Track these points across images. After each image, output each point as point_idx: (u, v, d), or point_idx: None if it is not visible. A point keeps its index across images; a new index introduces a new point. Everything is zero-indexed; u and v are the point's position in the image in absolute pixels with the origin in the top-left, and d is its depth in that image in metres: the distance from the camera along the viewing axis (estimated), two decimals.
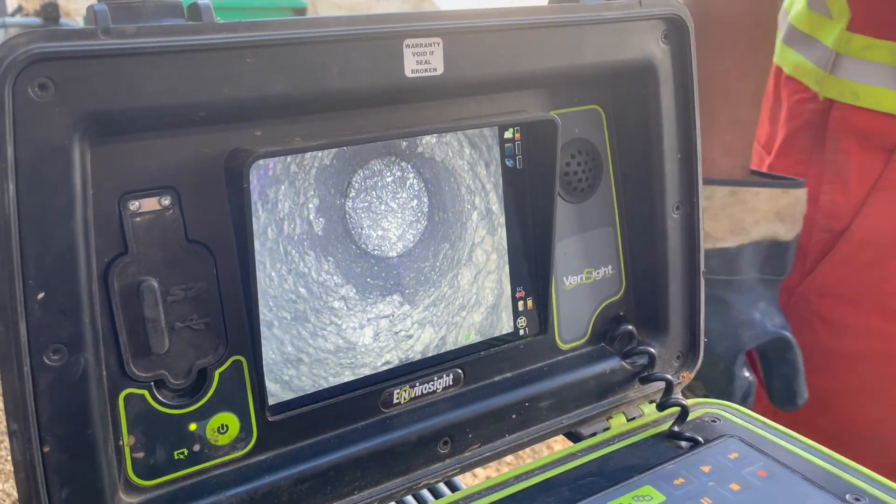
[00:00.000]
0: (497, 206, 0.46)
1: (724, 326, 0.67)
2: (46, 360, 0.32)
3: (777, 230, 0.68)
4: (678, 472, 0.42)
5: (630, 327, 0.50)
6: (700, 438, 0.46)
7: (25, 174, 0.30)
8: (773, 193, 0.67)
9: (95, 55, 0.30)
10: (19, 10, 4.09)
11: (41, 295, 0.31)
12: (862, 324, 0.70)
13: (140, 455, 0.36)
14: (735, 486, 0.41)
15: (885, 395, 0.70)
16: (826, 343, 0.72)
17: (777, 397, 0.71)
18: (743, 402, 0.69)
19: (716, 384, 0.69)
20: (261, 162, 0.37)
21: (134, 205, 0.35)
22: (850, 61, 0.72)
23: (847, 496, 0.40)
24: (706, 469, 0.42)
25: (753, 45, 0.69)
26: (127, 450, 0.36)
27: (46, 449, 0.32)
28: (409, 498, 0.51)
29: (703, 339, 0.51)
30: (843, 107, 0.72)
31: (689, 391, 0.70)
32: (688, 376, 0.51)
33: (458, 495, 0.42)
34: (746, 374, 0.69)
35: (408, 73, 0.38)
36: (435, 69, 0.38)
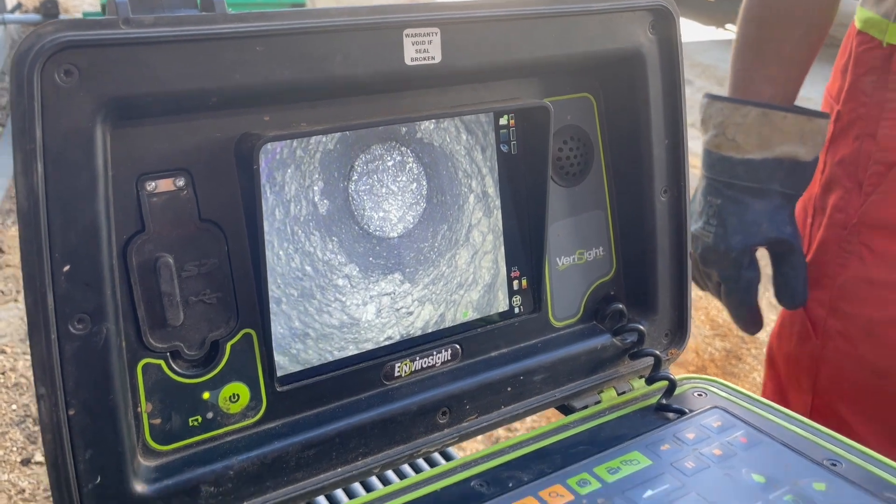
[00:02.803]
0: (493, 190, 0.48)
1: (739, 223, 0.77)
2: (72, 329, 0.34)
3: (798, 151, 0.77)
4: (664, 439, 0.44)
5: (620, 306, 0.52)
6: (686, 409, 0.48)
7: (52, 155, 0.32)
8: (798, 119, 0.76)
9: (116, 43, 0.33)
10: (18, 6, 4.10)
11: (67, 268, 0.33)
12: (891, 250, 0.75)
13: (157, 421, 0.39)
14: (717, 451, 0.43)
15: None
16: (874, 273, 0.77)
17: (779, 294, 0.80)
18: (746, 294, 0.78)
19: (726, 271, 0.78)
20: (269, 146, 0.39)
21: (150, 185, 0.37)
22: None
23: (825, 461, 0.43)
24: (691, 436, 0.44)
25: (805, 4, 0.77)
26: (145, 416, 0.38)
27: (72, 412, 0.34)
28: (407, 468, 0.54)
29: (690, 317, 0.54)
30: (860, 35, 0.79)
31: (707, 278, 0.81)
32: (675, 353, 0.54)
33: (455, 462, 0.45)
34: (752, 267, 0.79)
35: (407, 62, 0.40)
36: (433, 58, 0.41)
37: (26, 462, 1.71)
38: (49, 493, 1.64)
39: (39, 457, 1.73)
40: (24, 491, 1.65)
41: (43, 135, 0.32)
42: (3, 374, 1.95)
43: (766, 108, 0.77)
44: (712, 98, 0.81)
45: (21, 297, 2.25)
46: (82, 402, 0.35)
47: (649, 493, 0.39)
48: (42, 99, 0.31)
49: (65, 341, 0.34)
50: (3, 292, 2.25)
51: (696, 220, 0.84)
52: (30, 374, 1.97)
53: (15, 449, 1.75)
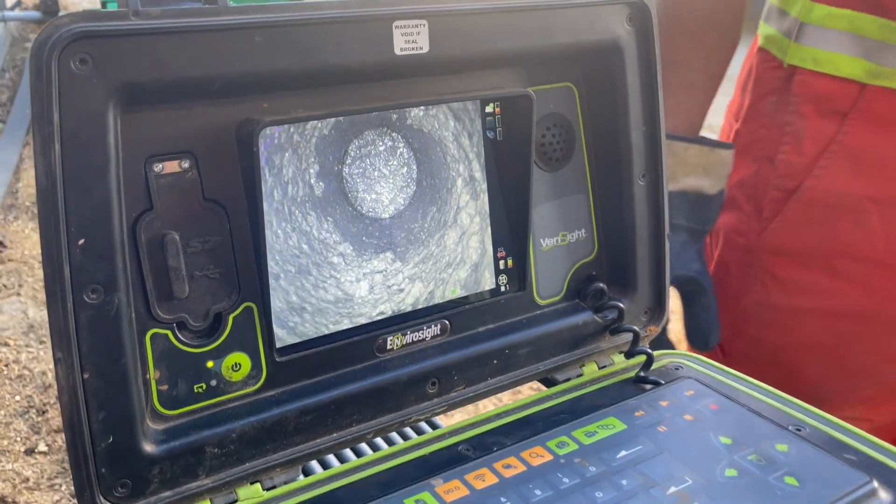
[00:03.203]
0: (479, 174, 0.51)
1: None
2: (86, 298, 0.37)
3: (703, 184, 0.76)
4: (639, 406, 0.47)
5: (602, 285, 0.55)
6: (662, 381, 0.51)
7: (68, 137, 0.35)
8: (701, 150, 0.75)
9: (127, 34, 0.35)
10: (18, 3, 4.12)
11: (81, 241, 0.36)
12: (809, 281, 0.75)
13: (164, 388, 0.42)
14: (689, 417, 0.46)
15: (828, 351, 0.76)
16: (776, 300, 0.77)
17: (691, 336, 0.78)
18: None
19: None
20: (268, 130, 0.42)
21: (158, 167, 0.40)
22: (813, 29, 0.76)
23: (790, 427, 0.46)
24: (664, 404, 0.47)
25: (706, 19, 0.75)
26: (153, 382, 0.41)
27: (86, 375, 0.37)
28: (395, 436, 0.56)
29: (668, 296, 0.57)
30: (804, 72, 0.77)
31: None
32: (654, 330, 0.57)
33: (443, 430, 0.48)
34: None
35: (397, 51, 0.43)
36: (421, 48, 0.43)
37: (30, 452, 1.74)
38: (51, 482, 1.67)
39: (43, 447, 1.76)
40: (27, 480, 1.68)
41: (60, 118, 0.34)
42: (6, 366, 1.98)
43: (670, 139, 0.73)
44: None
45: (23, 291, 2.28)
46: (96, 366, 0.38)
47: (623, 453, 0.42)
48: (59, 85, 0.34)
49: (80, 309, 0.37)
50: (5, 286, 2.28)
51: None
52: (33, 366, 2.00)
53: (19, 439, 1.78)
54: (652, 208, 0.55)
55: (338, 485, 0.43)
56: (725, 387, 0.50)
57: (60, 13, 3.97)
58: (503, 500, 0.39)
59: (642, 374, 0.52)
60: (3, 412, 1.84)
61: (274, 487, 0.43)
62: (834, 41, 0.74)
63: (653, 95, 0.52)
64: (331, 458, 0.55)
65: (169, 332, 0.41)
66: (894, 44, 0.71)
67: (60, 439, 1.79)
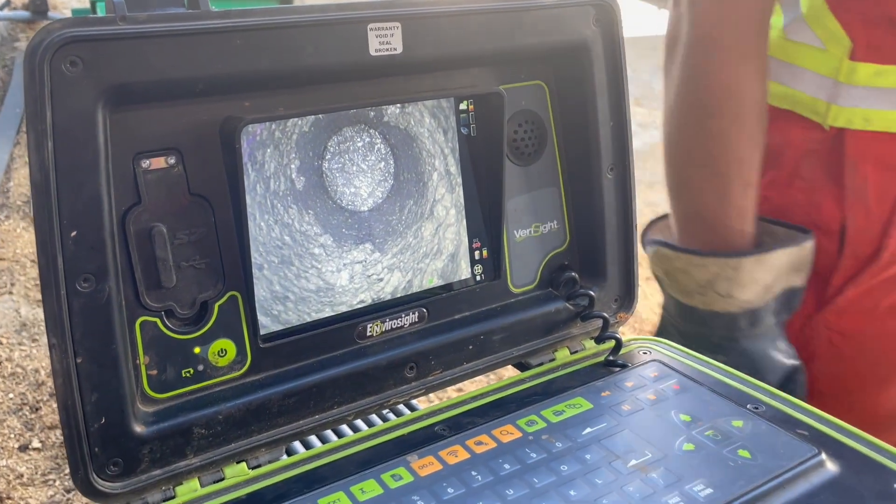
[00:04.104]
0: (454, 168, 0.53)
1: (750, 374, 0.68)
2: (78, 287, 0.39)
3: (793, 280, 0.71)
4: (605, 387, 0.49)
5: (573, 274, 0.58)
6: (629, 364, 0.53)
7: (60, 135, 0.37)
8: (790, 252, 0.70)
9: (115, 38, 0.37)
10: (7, 3, 4.11)
11: (74, 233, 0.38)
12: (868, 336, 0.74)
13: (154, 372, 0.44)
14: (651, 396, 0.48)
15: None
16: (842, 350, 0.75)
17: None
18: None
19: None
20: (250, 127, 0.44)
21: (145, 163, 0.42)
22: (858, 89, 0.72)
23: (747, 405, 0.48)
24: (629, 384, 0.50)
25: (761, 115, 0.70)
26: (143, 367, 0.43)
27: (79, 360, 0.40)
28: (375, 418, 0.59)
29: (637, 284, 0.59)
30: (855, 133, 0.73)
31: None
32: (624, 316, 0.59)
33: (420, 412, 0.50)
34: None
35: (372, 52, 0.45)
36: (395, 49, 0.46)
37: (24, 448, 1.76)
38: (45, 478, 1.69)
39: (37, 443, 1.78)
40: (22, 476, 1.69)
41: (52, 117, 0.37)
42: None
43: (760, 253, 0.68)
44: (677, 250, 0.69)
45: (15, 290, 2.29)
46: (88, 351, 0.40)
47: (588, 430, 0.45)
48: (51, 86, 0.36)
49: (73, 297, 0.39)
50: None
51: None
52: (26, 363, 2.01)
53: (13, 436, 1.79)
54: (620, 200, 0.57)
55: (320, 463, 0.46)
56: (689, 369, 0.53)
57: (49, 13, 3.97)
58: (473, 473, 0.41)
59: (611, 357, 0.55)
60: None
61: (259, 466, 0.46)
62: (885, 98, 0.71)
63: (619, 92, 0.55)
64: (313, 438, 0.58)
65: (157, 320, 0.44)
66: None
67: (54, 436, 1.81)
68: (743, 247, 0.69)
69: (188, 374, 0.45)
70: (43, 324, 1.91)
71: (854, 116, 0.73)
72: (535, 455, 0.43)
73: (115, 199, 0.41)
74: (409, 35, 0.46)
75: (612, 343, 0.56)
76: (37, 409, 1.87)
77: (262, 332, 0.47)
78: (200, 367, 0.45)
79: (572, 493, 0.40)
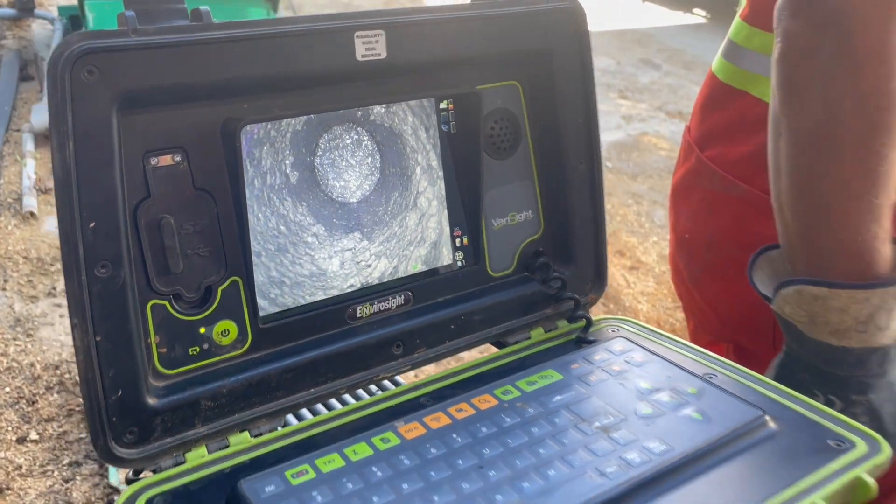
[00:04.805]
0: (436, 163, 0.58)
1: (894, 406, 0.64)
2: (97, 273, 0.43)
3: None
4: (575, 360, 0.54)
5: (547, 259, 0.62)
6: (598, 340, 0.58)
7: (79, 135, 0.41)
8: None
9: (127, 49, 0.42)
10: None
11: (92, 224, 0.43)
12: None
13: (164, 350, 0.48)
14: (616, 368, 0.53)
15: None
16: None
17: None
18: None
19: None
20: (248, 127, 0.49)
21: (154, 160, 0.46)
22: None
23: (704, 375, 0.53)
24: (597, 358, 0.55)
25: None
26: (154, 346, 0.48)
27: (98, 338, 0.44)
28: (362, 392, 0.63)
29: (606, 268, 0.64)
30: None
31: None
32: (595, 298, 0.64)
33: (406, 386, 0.55)
34: None
35: (358, 58, 0.49)
36: (380, 54, 0.50)
37: (22, 440, 1.79)
38: (44, 469, 1.73)
39: (34, 435, 1.81)
40: (20, 467, 1.73)
41: (73, 120, 0.41)
42: None
43: None
44: (828, 286, 0.61)
45: (8, 286, 2.32)
46: (106, 331, 0.44)
47: (558, 397, 0.50)
48: (72, 93, 0.41)
49: (92, 282, 0.43)
50: None
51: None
52: (21, 358, 2.04)
53: (10, 429, 1.83)
54: (589, 191, 0.62)
55: (315, 432, 0.50)
56: (652, 344, 0.58)
57: (36, 11, 3.97)
58: (454, 436, 0.46)
59: (582, 335, 0.60)
60: None
61: (260, 434, 0.50)
62: None
63: (587, 91, 0.60)
64: (308, 411, 0.62)
65: (167, 303, 0.48)
66: None
67: (51, 428, 1.84)
68: (890, 272, 0.63)
69: (195, 352, 0.49)
70: (37, 319, 1.94)
71: None
72: (509, 420, 0.48)
73: (128, 194, 0.45)
74: (393, 41, 0.50)
75: (582, 322, 0.61)
76: (33, 403, 1.91)
77: (262, 313, 0.51)
78: (206, 346, 0.50)
79: (542, 451, 0.45)
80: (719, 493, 0.42)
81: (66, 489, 1.67)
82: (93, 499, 1.65)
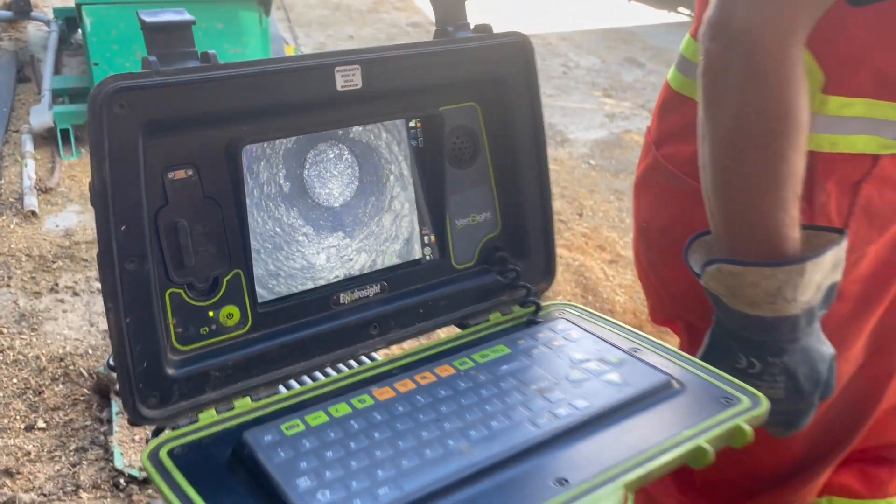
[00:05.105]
0: (406, 172, 0.69)
1: (810, 371, 0.75)
2: (126, 266, 0.54)
3: (835, 276, 0.76)
4: (522, 337, 0.65)
5: (504, 254, 0.73)
6: (544, 321, 0.69)
7: (114, 156, 0.52)
8: (836, 251, 0.74)
9: (150, 87, 0.52)
10: None
11: (123, 227, 0.53)
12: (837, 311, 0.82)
13: (180, 330, 0.59)
14: (556, 343, 0.64)
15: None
16: None
17: (821, 394, 0.80)
18: (812, 416, 0.78)
19: (803, 414, 0.77)
20: (248, 146, 0.59)
21: (171, 174, 0.57)
22: (828, 118, 0.80)
23: (629, 349, 0.64)
24: (541, 335, 0.66)
25: (806, 129, 0.73)
26: (172, 326, 0.58)
27: (128, 320, 0.54)
28: (342, 366, 0.74)
29: (555, 262, 0.75)
30: (823, 156, 0.81)
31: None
32: (545, 286, 0.75)
33: (379, 361, 0.65)
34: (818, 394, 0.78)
35: (338, 88, 0.60)
36: (357, 84, 0.61)
37: (30, 428, 1.89)
38: (51, 454, 1.83)
39: (42, 423, 1.91)
40: (29, 453, 1.83)
41: (108, 144, 0.51)
42: (1, 352, 2.12)
43: (817, 256, 0.72)
44: (744, 265, 0.72)
45: (12, 283, 2.41)
46: (134, 313, 0.55)
47: (505, 367, 0.61)
48: (107, 122, 0.51)
49: (122, 274, 0.54)
50: None
51: (746, 380, 0.72)
52: (27, 351, 2.13)
53: (18, 417, 1.93)
54: (539, 196, 0.73)
55: (305, 397, 0.61)
56: (589, 324, 0.68)
57: (32, 13, 4.04)
58: (418, 397, 0.57)
59: (532, 317, 0.71)
60: (1, 394, 1.99)
61: (259, 399, 0.61)
62: (850, 126, 0.79)
63: (535, 110, 0.70)
64: (293, 382, 0.73)
65: (182, 291, 0.58)
66: None
67: (57, 416, 1.94)
68: (797, 253, 0.73)
69: (205, 332, 0.60)
70: (40, 314, 2.04)
71: (823, 141, 0.81)
72: (463, 385, 0.58)
73: (150, 202, 0.55)
74: (367, 73, 0.61)
75: (533, 307, 0.72)
76: (40, 393, 2.01)
77: (260, 300, 0.62)
78: (214, 327, 0.60)
79: (488, 408, 0.55)
80: (626, 438, 0.53)
81: (74, 472, 1.77)
82: (99, 481, 1.75)
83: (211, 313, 0.60)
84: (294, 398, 0.61)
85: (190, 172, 0.57)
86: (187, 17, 0.54)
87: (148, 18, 0.52)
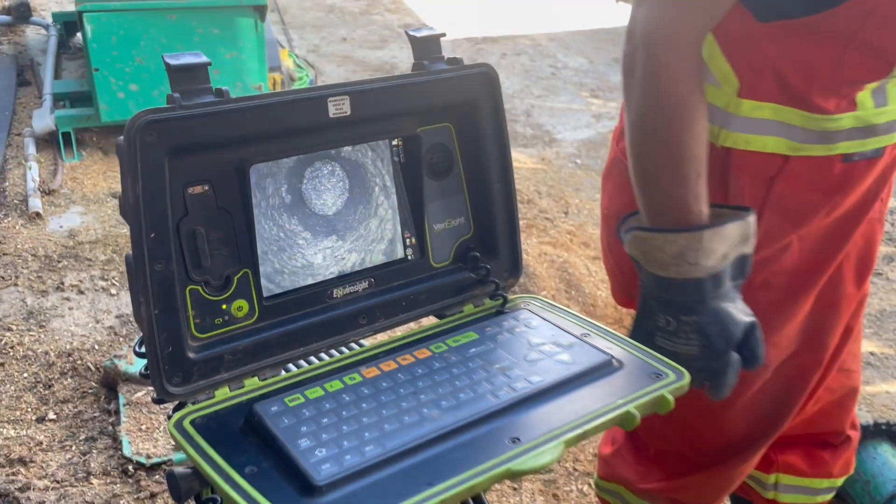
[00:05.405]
0: (390, 183, 0.80)
1: (719, 330, 0.85)
2: (156, 267, 0.65)
3: (743, 248, 0.87)
4: (490, 325, 0.76)
5: (476, 254, 0.84)
6: (509, 311, 0.80)
7: (145, 176, 0.63)
8: (740, 225, 0.85)
9: (175, 119, 0.63)
10: None
11: (152, 234, 0.64)
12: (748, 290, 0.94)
13: (198, 321, 0.70)
14: (518, 330, 0.75)
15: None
16: None
17: (748, 363, 0.90)
18: (733, 377, 0.88)
19: (718, 373, 0.86)
20: (255, 165, 0.70)
21: (190, 189, 0.68)
22: (741, 119, 0.91)
23: (579, 334, 0.75)
24: (506, 324, 0.77)
25: (703, 117, 0.87)
26: (191, 317, 0.69)
27: (156, 312, 0.65)
28: (334, 352, 0.85)
29: (521, 259, 0.86)
30: (739, 153, 0.93)
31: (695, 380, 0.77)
32: (513, 282, 0.86)
33: (368, 346, 0.76)
34: (735, 356, 0.88)
35: (330, 115, 0.71)
36: (346, 112, 0.72)
37: (41, 420, 2.00)
38: (62, 444, 1.93)
39: (52, 415, 2.02)
40: (41, 443, 1.93)
41: (141, 166, 0.62)
42: (11, 348, 2.22)
43: (715, 226, 0.83)
44: (650, 231, 0.85)
45: (20, 282, 2.51)
46: (161, 306, 0.66)
47: (473, 350, 0.72)
48: (140, 148, 0.62)
49: (152, 274, 0.64)
50: (3, 278, 2.50)
51: (666, 337, 0.87)
52: (35, 347, 2.24)
53: (30, 409, 2.03)
54: (506, 203, 0.84)
55: (304, 377, 0.72)
56: (548, 314, 0.80)
57: (32, 18, 4.13)
58: (399, 375, 0.68)
59: (500, 309, 0.82)
60: (13, 387, 2.09)
61: (266, 379, 0.72)
62: (761, 127, 0.91)
63: (501, 129, 0.81)
64: (291, 366, 0.84)
65: (199, 287, 0.69)
66: (813, 129, 0.89)
67: (67, 408, 2.05)
68: (696, 222, 0.85)
69: (219, 322, 0.71)
70: (48, 312, 2.15)
71: (738, 139, 0.93)
72: (437, 364, 0.70)
73: (173, 213, 0.66)
74: (355, 102, 0.72)
75: (500, 300, 0.83)
76: (49, 386, 2.11)
77: (266, 294, 0.73)
78: (226, 318, 0.71)
79: (457, 383, 0.67)
80: (570, 406, 0.64)
81: (84, 461, 1.88)
82: (108, 468, 1.86)
83: (224, 306, 0.71)
84: (295, 377, 0.72)
85: (206, 188, 0.68)
86: (203, 59, 0.65)
87: (172, 61, 0.63)
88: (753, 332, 0.89)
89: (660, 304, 0.87)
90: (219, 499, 0.77)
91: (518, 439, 0.60)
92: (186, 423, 0.65)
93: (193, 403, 0.69)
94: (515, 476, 0.58)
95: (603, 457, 1.30)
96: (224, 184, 0.69)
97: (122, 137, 0.62)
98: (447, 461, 0.57)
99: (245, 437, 0.63)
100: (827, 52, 0.86)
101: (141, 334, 0.69)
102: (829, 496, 1.35)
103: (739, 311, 0.87)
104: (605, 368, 0.69)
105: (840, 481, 1.32)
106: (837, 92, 0.88)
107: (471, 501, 0.78)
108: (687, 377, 0.68)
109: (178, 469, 0.67)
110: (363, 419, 0.62)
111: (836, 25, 0.84)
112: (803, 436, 1.26)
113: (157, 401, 0.70)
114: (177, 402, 0.69)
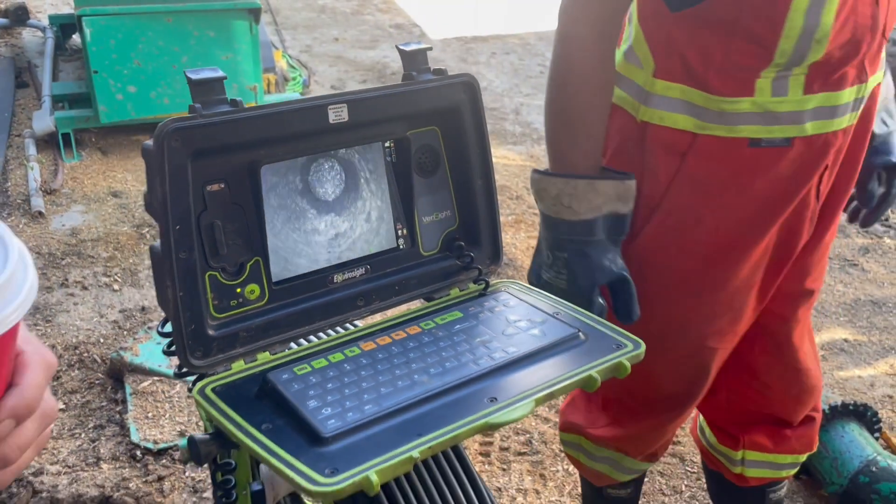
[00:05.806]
0: (383, 181, 0.89)
1: (584, 269, 1.02)
2: (180, 255, 0.74)
3: (618, 207, 1.03)
4: (472, 305, 0.86)
5: (461, 243, 0.94)
6: (490, 294, 0.91)
7: (171, 176, 0.72)
8: (615, 184, 1.02)
9: (197, 126, 0.73)
10: None
11: (178, 227, 0.74)
12: (662, 261, 1.14)
13: (216, 302, 0.79)
14: (498, 309, 0.86)
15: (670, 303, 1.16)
16: (645, 273, 1.12)
17: (619, 315, 1.08)
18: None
19: (582, 309, 0.92)
20: (265, 165, 0.80)
21: (209, 187, 0.77)
22: (656, 97, 1.06)
23: (552, 312, 0.86)
24: (486, 304, 0.87)
25: (599, 87, 1.04)
26: (210, 299, 0.79)
27: (181, 294, 0.75)
28: (331, 332, 0.95)
29: (501, 248, 0.96)
30: (654, 127, 1.07)
31: None
32: (494, 268, 0.96)
33: (364, 326, 0.86)
34: (601, 301, 1.04)
35: (330, 121, 0.81)
36: (344, 118, 0.81)
37: None
38: (72, 432, 2.02)
39: (61, 405, 2.10)
40: (52, 431, 2.02)
41: (168, 167, 0.72)
42: None
43: (591, 178, 1.00)
44: (541, 174, 1.05)
45: None
46: (185, 289, 0.75)
47: (458, 326, 0.82)
48: (167, 152, 0.71)
49: (177, 261, 0.74)
50: None
51: (546, 269, 1.05)
52: (42, 341, 2.32)
53: None
54: (487, 197, 0.94)
55: (309, 351, 0.82)
56: (525, 296, 0.90)
57: (29, 21, 4.20)
58: (393, 347, 0.78)
59: (483, 292, 0.92)
60: None
61: (276, 353, 0.81)
62: (672, 105, 1.04)
63: (482, 133, 0.91)
64: (297, 342, 0.93)
65: (217, 273, 0.79)
66: (713, 109, 1.02)
67: (75, 399, 2.14)
68: (574, 171, 1.04)
69: (234, 304, 0.81)
70: (53, 307, 2.25)
71: (654, 115, 1.07)
72: (426, 339, 0.80)
73: (195, 208, 0.76)
74: (352, 109, 0.82)
75: (483, 284, 0.93)
76: (57, 378, 2.20)
77: (275, 279, 0.83)
78: (240, 300, 0.81)
79: (443, 354, 0.77)
80: (540, 372, 0.74)
81: (94, 447, 1.97)
82: (117, 454, 1.95)
83: (238, 290, 0.80)
84: (302, 352, 0.82)
85: (222, 185, 0.78)
86: (220, 73, 0.75)
87: (193, 76, 0.73)
88: (625, 287, 1.04)
89: (544, 241, 1.04)
90: (233, 462, 0.87)
91: (495, 399, 0.70)
92: (209, 391, 0.75)
93: (213, 374, 0.78)
94: (493, 428, 0.68)
95: (562, 411, 1.46)
96: (238, 182, 0.79)
97: (149, 142, 0.72)
98: (434, 416, 0.67)
99: (260, 400, 0.73)
100: (718, 39, 0.99)
101: (164, 317, 0.78)
102: (793, 471, 1.46)
103: (609, 262, 1.02)
104: (572, 341, 0.79)
105: (803, 457, 1.44)
106: (734, 76, 1.01)
107: (457, 465, 0.88)
108: (643, 347, 0.78)
109: (199, 435, 0.77)
110: (362, 384, 0.72)
111: (718, 14, 0.98)
112: (767, 415, 1.37)
113: (178, 375, 0.80)
114: (197, 375, 0.79)
